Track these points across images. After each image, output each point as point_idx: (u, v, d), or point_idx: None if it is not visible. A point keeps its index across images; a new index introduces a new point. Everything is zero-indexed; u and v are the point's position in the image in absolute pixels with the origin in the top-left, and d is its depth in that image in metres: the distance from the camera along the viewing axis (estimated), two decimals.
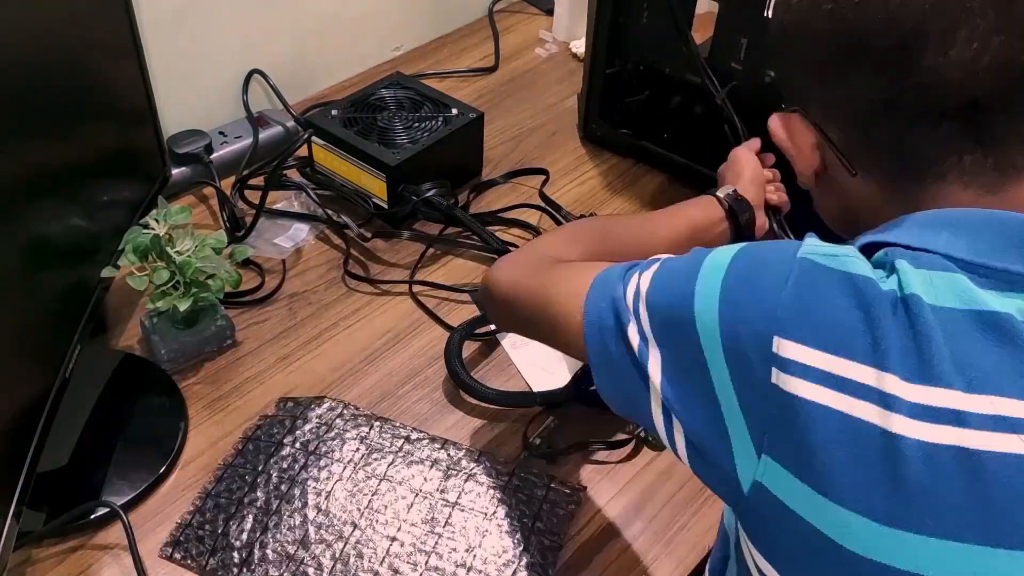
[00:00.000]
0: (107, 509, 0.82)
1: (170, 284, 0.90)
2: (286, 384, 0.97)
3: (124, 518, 0.80)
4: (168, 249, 0.90)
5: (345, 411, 0.91)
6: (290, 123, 1.28)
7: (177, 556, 0.81)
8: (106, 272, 0.90)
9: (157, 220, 0.91)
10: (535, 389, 0.96)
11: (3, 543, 0.71)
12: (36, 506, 0.81)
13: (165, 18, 1.16)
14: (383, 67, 1.45)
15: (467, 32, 1.55)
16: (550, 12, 1.57)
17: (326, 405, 0.92)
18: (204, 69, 1.25)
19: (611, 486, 0.89)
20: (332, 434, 0.89)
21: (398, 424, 0.91)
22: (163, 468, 0.87)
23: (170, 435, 0.91)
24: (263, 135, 1.25)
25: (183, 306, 0.90)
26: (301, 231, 1.14)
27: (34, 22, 0.78)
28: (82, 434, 0.89)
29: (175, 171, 1.16)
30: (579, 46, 1.49)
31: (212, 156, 1.20)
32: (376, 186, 1.12)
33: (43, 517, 0.82)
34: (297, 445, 0.88)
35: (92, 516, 0.83)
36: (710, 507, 0.87)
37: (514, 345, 1.01)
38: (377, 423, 0.91)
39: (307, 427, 0.90)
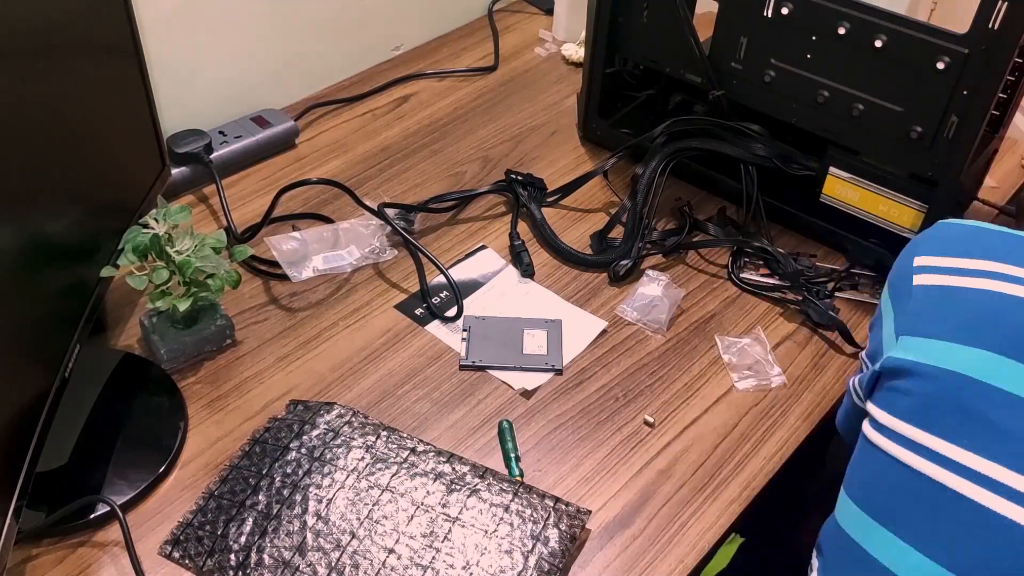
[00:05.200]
0: (107, 508, 0.82)
1: (169, 284, 0.90)
2: (286, 384, 0.97)
3: (120, 515, 0.80)
4: (167, 249, 0.90)
5: (354, 419, 0.91)
6: (289, 123, 1.28)
7: (176, 555, 0.81)
8: (105, 272, 0.90)
9: (156, 220, 0.91)
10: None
11: (3, 541, 0.71)
12: (36, 506, 0.82)
13: (165, 18, 1.16)
14: (383, 67, 1.45)
15: (467, 32, 1.55)
16: (550, 12, 1.57)
17: (335, 412, 0.91)
18: (204, 69, 1.25)
19: (611, 485, 0.89)
20: (338, 441, 0.88)
21: (405, 435, 0.90)
22: (163, 468, 0.87)
23: (170, 435, 0.91)
24: (263, 135, 1.25)
25: (183, 306, 0.90)
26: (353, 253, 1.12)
27: (34, 22, 0.79)
28: (82, 433, 0.89)
29: (175, 171, 1.16)
30: (569, 49, 1.49)
31: (212, 156, 1.20)
32: None
33: (43, 516, 0.82)
34: (303, 450, 0.88)
35: (91, 515, 0.83)
36: (711, 505, 0.87)
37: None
38: (384, 432, 0.90)
39: (315, 433, 0.89)
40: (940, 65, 0.95)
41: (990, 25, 0.90)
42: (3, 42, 0.74)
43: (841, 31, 0.99)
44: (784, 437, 0.94)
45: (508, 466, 0.89)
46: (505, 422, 0.93)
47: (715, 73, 1.12)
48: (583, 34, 1.34)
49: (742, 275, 1.10)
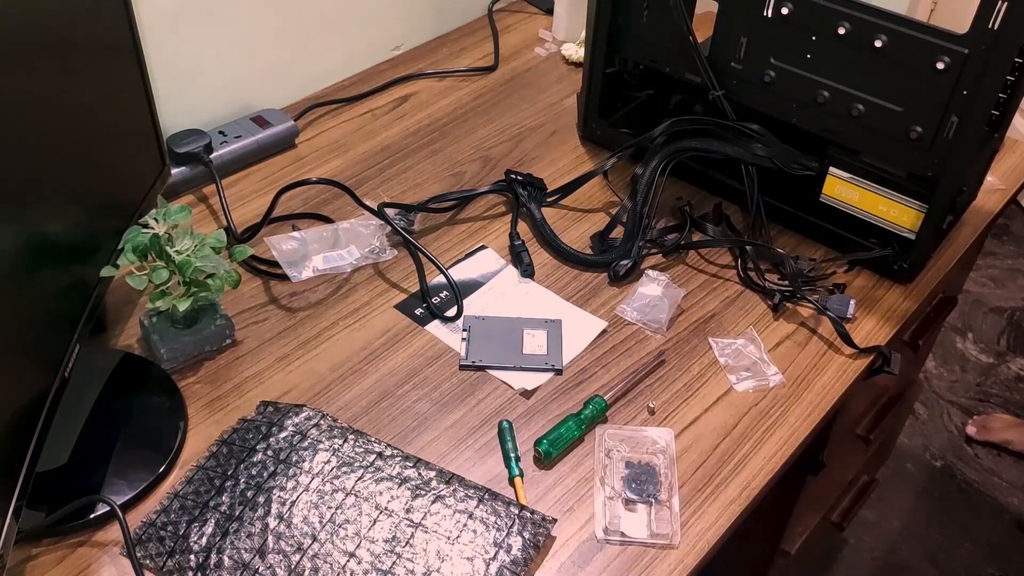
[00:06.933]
0: (107, 508, 0.82)
1: (169, 284, 0.90)
2: (286, 384, 0.97)
3: (120, 515, 0.80)
4: (167, 248, 0.90)
5: (322, 422, 0.90)
6: (289, 123, 1.28)
7: (138, 554, 0.80)
8: (105, 271, 0.90)
9: (156, 219, 0.91)
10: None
11: (3, 541, 0.71)
12: (36, 506, 0.82)
13: (165, 18, 1.16)
14: (383, 67, 1.45)
15: (467, 31, 1.55)
16: (550, 12, 1.57)
17: (304, 414, 0.91)
18: (204, 69, 1.25)
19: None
20: (305, 444, 0.88)
21: (373, 439, 0.90)
22: (162, 468, 0.87)
23: (169, 434, 0.91)
24: (263, 135, 1.25)
25: (183, 306, 0.90)
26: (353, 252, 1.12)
27: (34, 22, 0.79)
28: (81, 433, 0.89)
29: (175, 171, 1.16)
30: (569, 49, 1.49)
31: (212, 156, 1.20)
32: None
33: (43, 516, 0.82)
34: (269, 452, 0.87)
35: (91, 515, 0.83)
36: (710, 505, 0.87)
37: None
38: (352, 436, 0.89)
39: (282, 435, 0.89)
40: (940, 65, 0.95)
41: (990, 25, 0.90)
42: (3, 41, 0.74)
43: (841, 31, 0.99)
44: (784, 437, 0.94)
45: (508, 466, 0.89)
46: (505, 422, 0.93)
47: (715, 73, 1.12)
48: (583, 34, 1.34)
49: (754, 275, 1.09)
